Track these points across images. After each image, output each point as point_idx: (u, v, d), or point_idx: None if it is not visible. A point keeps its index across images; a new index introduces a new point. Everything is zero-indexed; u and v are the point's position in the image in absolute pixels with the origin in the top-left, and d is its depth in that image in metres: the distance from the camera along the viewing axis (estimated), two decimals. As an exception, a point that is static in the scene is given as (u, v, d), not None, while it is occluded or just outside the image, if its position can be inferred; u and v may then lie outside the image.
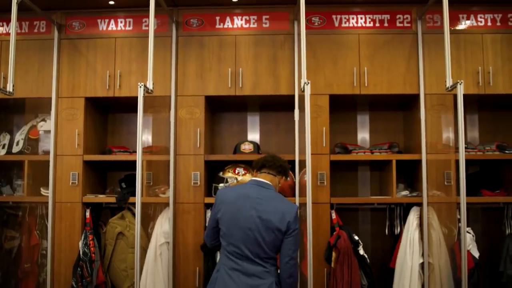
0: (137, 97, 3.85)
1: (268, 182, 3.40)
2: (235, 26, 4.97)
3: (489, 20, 4.83)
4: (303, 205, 4.25)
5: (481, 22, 4.83)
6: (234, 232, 3.22)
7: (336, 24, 4.91)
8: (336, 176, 5.01)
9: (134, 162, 3.86)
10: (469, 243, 4.45)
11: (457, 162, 3.95)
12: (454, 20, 4.76)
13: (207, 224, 3.39)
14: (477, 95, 4.76)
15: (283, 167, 3.49)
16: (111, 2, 4.91)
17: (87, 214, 4.80)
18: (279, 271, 3.28)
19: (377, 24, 4.89)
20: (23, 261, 4.95)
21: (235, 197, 3.31)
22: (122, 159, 5.03)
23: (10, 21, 4.18)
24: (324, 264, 4.58)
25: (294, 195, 4.74)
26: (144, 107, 3.86)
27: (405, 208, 4.90)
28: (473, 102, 5.17)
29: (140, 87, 3.83)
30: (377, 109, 5.46)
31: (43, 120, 5.15)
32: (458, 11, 4.82)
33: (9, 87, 4.12)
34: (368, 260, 4.62)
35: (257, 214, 3.20)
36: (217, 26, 4.97)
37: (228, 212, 3.26)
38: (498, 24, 4.82)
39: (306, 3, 4.03)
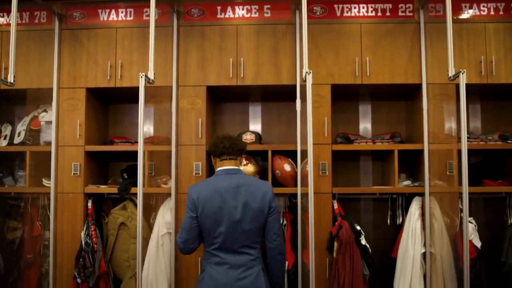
0: (138, 88, 3.84)
1: (236, 168, 3.40)
2: (236, 16, 4.95)
3: (491, 9, 4.80)
4: (304, 195, 4.26)
5: (483, 11, 4.80)
6: (219, 227, 3.19)
7: (338, 14, 4.88)
8: (338, 166, 5.01)
9: (136, 152, 3.86)
10: (471, 233, 4.43)
11: (459, 152, 3.97)
12: (456, 9, 4.74)
13: (181, 228, 3.29)
14: (480, 84, 4.73)
15: (241, 149, 3.46)
16: (112, -8, 4.90)
17: (89, 204, 4.81)
18: (267, 252, 3.32)
19: (379, 13, 4.87)
20: (25, 251, 4.96)
21: (212, 191, 3.25)
22: (123, 150, 5.02)
23: (10, 11, 4.14)
24: (326, 254, 4.58)
25: (295, 185, 4.73)
26: (145, 98, 3.86)
27: (407, 198, 4.89)
28: (475, 92, 5.14)
29: (141, 77, 3.82)
30: (379, 99, 5.45)
31: (45, 111, 5.15)
32: (460, 0, 4.79)
33: (10, 78, 4.11)
34: (370, 250, 4.62)
35: (240, 202, 3.21)
36: (218, 16, 4.95)
37: (208, 208, 3.21)
38: (501, 13, 4.79)
39: (308, -8, 4.01)
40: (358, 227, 4.61)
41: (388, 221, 5.05)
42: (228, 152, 3.38)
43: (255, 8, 4.93)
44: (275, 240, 3.28)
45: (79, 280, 4.59)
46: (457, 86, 3.96)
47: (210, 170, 4.94)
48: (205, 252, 3.30)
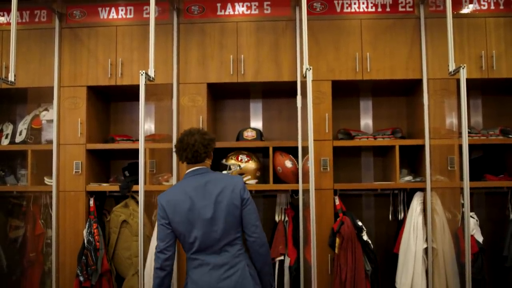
0: (139, 85, 3.86)
1: (202, 167, 3.31)
2: (236, 12, 4.94)
3: (492, 4, 4.79)
4: (306, 191, 4.26)
5: (484, 5, 4.80)
6: (193, 230, 3.12)
7: (338, 9, 4.88)
8: (339, 162, 5.00)
9: (137, 150, 3.89)
10: (473, 228, 4.45)
11: (460, 147, 3.97)
12: (456, 4, 4.73)
13: (157, 238, 3.20)
14: (480, 79, 4.72)
15: (206, 153, 3.32)
16: (112, -10, 4.90)
17: (91, 202, 4.81)
18: (248, 246, 3.22)
19: (379, 9, 4.86)
20: (28, 250, 4.98)
21: (180, 194, 3.20)
22: (125, 148, 5.02)
23: (10, 10, 4.16)
24: (328, 250, 4.59)
25: (297, 182, 4.74)
26: (146, 95, 3.88)
27: (409, 194, 4.89)
28: (476, 87, 5.12)
29: (142, 75, 3.84)
30: (380, 95, 5.44)
31: (46, 109, 5.15)
32: (460, -5, 4.80)
33: (11, 77, 4.13)
34: (372, 246, 4.63)
35: (210, 200, 3.15)
36: (218, 13, 4.95)
37: (178, 211, 3.15)
38: (502, 7, 4.78)
39: (308, -12, 4.01)
40: (360, 223, 4.62)
41: (390, 216, 5.05)
42: (192, 162, 3.30)
43: (255, 5, 4.92)
44: (254, 232, 3.18)
45: (81, 278, 4.60)
46: (458, 81, 3.96)
47: (212, 167, 4.91)
48: (187, 258, 3.23)
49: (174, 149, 3.40)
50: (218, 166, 4.95)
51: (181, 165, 4.75)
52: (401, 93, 5.35)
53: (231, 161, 4.88)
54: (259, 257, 3.24)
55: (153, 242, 4.58)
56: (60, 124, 4.88)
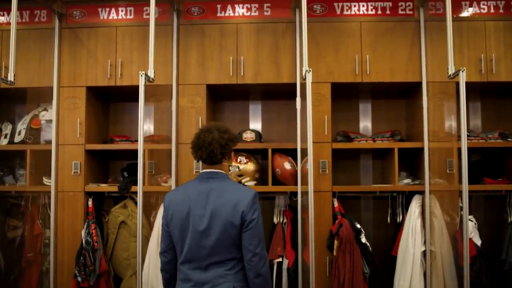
0: (138, 86, 3.86)
1: (218, 171, 2.96)
2: (236, 14, 4.95)
3: (491, 7, 4.79)
4: (305, 193, 4.26)
5: (483, 9, 4.80)
6: (185, 238, 2.83)
7: (338, 12, 4.88)
8: (338, 164, 5.00)
9: (136, 151, 3.88)
10: (471, 231, 4.43)
11: (459, 150, 3.96)
12: (456, 7, 4.73)
13: (160, 240, 3.04)
14: (480, 82, 4.73)
15: (223, 154, 2.95)
16: (112, -9, 4.90)
17: (90, 203, 4.81)
18: (246, 271, 2.84)
19: (379, 12, 4.86)
20: (26, 250, 4.96)
21: (183, 197, 2.90)
22: (124, 148, 5.03)
23: (10, 10, 4.16)
24: (326, 252, 4.58)
25: (296, 184, 4.74)
26: (145, 96, 3.88)
27: (407, 196, 4.88)
28: (475, 90, 5.13)
29: (141, 76, 3.84)
30: (379, 97, 5.44)
31: (45, 109, 5.15)
32: (460, -2, 4.80)
33: (10, 77, 4.13)
34: (370, 248, 4.63)
35: (208, 210, 2.80)
36: (218, 14, 4.95)
37: (176, 215, 2.87)
38: (501, 11, 4.79)
39: (308, -10, 4.01)
40: (358, 225, 4.62)
41: (388, 219, 5.03)
42: (207, 162, 2.94)
43: (255, 7, 4.93)
44: (251, 260, 2.77)
45: (79, 279, 4.59)
46: (457, 84, 3.95)
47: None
48: (177, 268, 2.97)
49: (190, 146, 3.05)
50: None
51: (180, 167, 4.75)
52: (400, 96, 5.36)
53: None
54: (253, 286, 2.83)
55: (152, 243, 4.58)
56: (59, 124, 4.88)
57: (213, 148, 2.90)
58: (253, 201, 2.82)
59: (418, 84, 4.76)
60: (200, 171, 3.02)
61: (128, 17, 5.00)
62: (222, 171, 2.98)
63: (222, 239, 2.78)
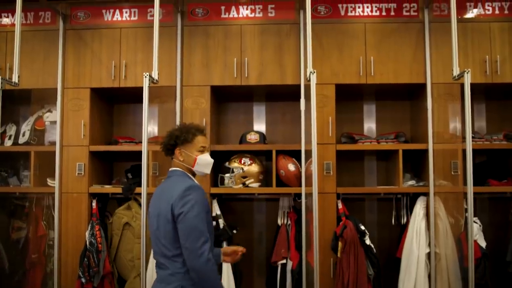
0: (142, 88, 3.86)
1: (175, 169, 3.09)
2: (240, 15, 4.95)
3: (496, 8, 4.78)
4: (309, 195, 4.26)
5: (488, 10, 4.79)
6: (151, 238, 2.99)
7: (342, 13, 4.87)
8: (342, 166, 4.98)
9: (140, 152, 3.89)
10: (476, 233, 4.42)
11: (464, 151, 3.94)
12: (461, 9, 4.71)
13: None
14: (484, 84, 4.71)
15: (165, 144, 3.13)
16: (116, -8, 4.90)
17: (94, 204, 4.81)
18: None
19: (384, 13, 4.86)
20: (30, 251, 4.96)
21: (152, 196, 3.08)
22: (128, 150, 5.03)
23: (15, 11, 4.15)
24: (331, 254, 4.57)
25: (300, 185, 4.73)
26: (149, 98, 3.88)
27: (412, 198, 4.86)
28: (480, 91, 5.12)
29: (146, 77, 3.84)
30: (383, 99, 5.42)
31: (49, 111, 5.15)
32: (465, 0, 4.77)
33: (15, 78, 4.11)
34: (375, 250, 4.61)
35: (157, 210, 2.92)
36: (223, 15, 4.95)
37: (149, 214, 3.05)
38: (506, 12, 4.77)
39: (312, -8, 4.00)
40: (363, 227, 4.60)
41: (393, 221, 5.05)
42: (164, 150, 3.16)
43: (259, 8, 4.92)
44: (184, 254, 2.79)
45: (83, 280, 4.59)
46: (462, 85, 3.95)
47: (215, 170, 4.92)
48: None
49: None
50: (221, 169, 4.95)
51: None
52: (404, 97, 5.34)
53: (234, 164, 4.87)
54: (192, 279, 2.83)
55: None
56: (64, 126, 4.88)
57: (165, 137, 3.14)
58: (182, 195, 2.84)
59: (423, 86, 4.75)
60: None
61: (132, 18, 4.99)
62: (178, 169, 3.10)
63: (168, 237, 2.85)
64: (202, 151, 3.11)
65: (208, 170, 3.18)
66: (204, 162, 3.12)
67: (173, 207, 2.82)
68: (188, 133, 3.10)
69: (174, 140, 3.10)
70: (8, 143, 5.11)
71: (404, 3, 4.83)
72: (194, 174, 3.14)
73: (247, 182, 4.83)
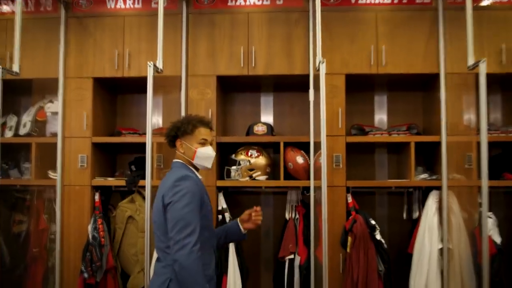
0: (146, 77, 3.83)
1: (175, 160, 3.12)
2: (247, 3, 4.84)
3: (513, -4, 4.67)
4: (318, 188, 4.20)
5: (504, -3, 4.68)
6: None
7: (353, 1, 4.76)
8: (352, 158, 4.89)
9: (144, 144, 3.87)
10: (491, 228, 4.34)
11: (478, 144, 3.86)
12: (476, -4, 4.61)
13: None
14: (500, 74, 4.59)
15: (167, 136, 3.16)
16: (119, -21, 4.81)
17: (96, 197, 4.76)
18: None
19: (396, 1, 4.74)
20: (31, 245, 4.92)
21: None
22: (131, 141, 4.96)
23: (15, -1, 4.10)
24: (340, 249, 4.49)
25: (308, 178, 4.65)
26: (154, 88, 3.87)
27: (424, 192, 4.77)
28: (495, 82, 4.98)
29: (150, 66, 3.83)
30: (395, 90, 5.33)
31: (51, 101, 5.10)
32: (480, -14, 4.67)
33: (16, 68, 4.12)
34: (385, 245, 4.53)
35: (155, 204, 2.97)
36: (229, 3, 4.85)
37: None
38: (523, 0, 4.66)
39: (322, -22, 3.91)
40: (373, 222, 4.52)
41: (404, 215, 4.98)
42: (168, 142, 3.20)
43: (267, -5, 4.83)
44: (172, 247, 2.76)
45: (86, 275, 4.54)
46: (477, 75, 3.85)
47: (221, 162, 4.87)
48: None
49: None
50: (227, 161, 4.88)
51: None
52: (417, 88, 5.24)
53: (241, 156, 4.79)
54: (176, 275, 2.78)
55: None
56: (65, 117, 4.81)
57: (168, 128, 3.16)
58: (173, 185, 2.85)
59: (436, 76, 4.64)
60: None
61: (136, 6, 4.90)
62: (178, 160, 3.13)
63: (161, 228, 2.88)
64: (203, 144, 3.09)
65: (208, 164, 3.14)
66: (204, 155, 3.09)
67: (164, 197, 2.85)
68: (188, 124, 3.09)
69: (175, 132, 3.11)
70: (8, 134, 5.06)
71: (416, -10, 4.73)
72: (196, 166, 3.13)
73: (254, 175, 4.76)
